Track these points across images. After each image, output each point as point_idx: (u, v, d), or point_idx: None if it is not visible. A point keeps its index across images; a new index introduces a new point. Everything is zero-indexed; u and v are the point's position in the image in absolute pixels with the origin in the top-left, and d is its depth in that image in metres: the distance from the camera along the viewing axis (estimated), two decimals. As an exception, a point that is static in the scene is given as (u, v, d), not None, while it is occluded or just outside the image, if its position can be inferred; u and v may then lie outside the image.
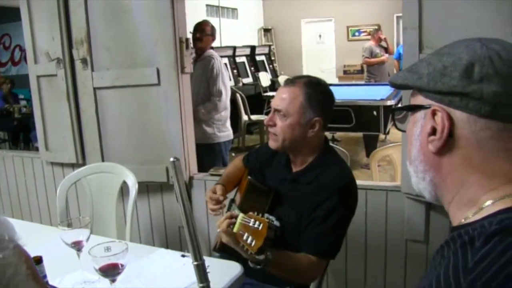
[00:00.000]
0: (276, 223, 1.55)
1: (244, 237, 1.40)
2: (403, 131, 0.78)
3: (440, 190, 0.72)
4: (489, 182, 0.66)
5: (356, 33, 10.58)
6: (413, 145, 0.73)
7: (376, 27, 7.87)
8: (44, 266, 1.14)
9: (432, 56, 0.70)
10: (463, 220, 0.67)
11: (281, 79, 8.38)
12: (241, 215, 1.47)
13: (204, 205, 2.68)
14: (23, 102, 7.02)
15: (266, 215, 1.53)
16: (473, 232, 0.61)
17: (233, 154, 6.09)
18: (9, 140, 6.86)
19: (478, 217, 0.64)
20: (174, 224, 2.84)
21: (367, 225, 2.31)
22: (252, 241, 1.38)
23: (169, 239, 2.89)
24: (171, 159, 0.86)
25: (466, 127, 0.65)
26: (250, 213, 1.48)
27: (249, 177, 1.76)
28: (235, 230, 1.44)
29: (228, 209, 1.78)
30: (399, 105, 0.83)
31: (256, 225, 1.41)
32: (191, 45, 2.63)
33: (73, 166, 3.00)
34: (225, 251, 1.64)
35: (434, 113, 0.68)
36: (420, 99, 0.71)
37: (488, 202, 0.65)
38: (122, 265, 1.22)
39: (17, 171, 3.43)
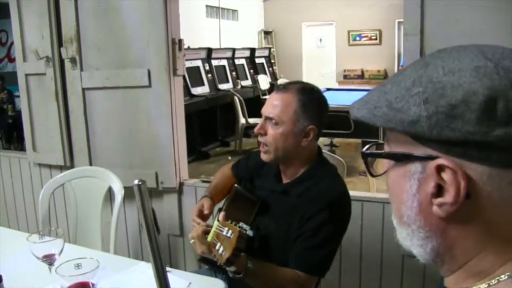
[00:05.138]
0: (250, 232, 1.43)
1: (217, 247, 1.31)
2: (377, 175, 0.61)
3: (442, 259, 0.55)
4: (510, 250, 0.51)
5: (357, 38, 10.52)
6: (405, 204, 0.54)
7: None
8: (3, 286, 1.05)
9: (425, 87, 0.50)
10: None
11: (281, 82, 8.31)
12: (216, 223, 1.38)
13: (194, 213, 2.60)
14: (18, 99, 6.92)
15: (240, 223, 1.42)
16: None
17: (230, 158, 6.01)
18: (2, 138, 6.76)
19: None
20: (163, 231, 2.74)
21: (362, 238, 2.23)
22: (223, 251, 1.28)
23: (158, 247, 2.80)
24: (135, 181, 0.74)
25: (488, 184, 0.48)
26: (220, 217, 1.39)
27: (235, 185, 1.67)
28: (209, 239, 1.36)
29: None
30: (375, 148, 0.61)
31: (228, 234, 1.31)
32: (184, 46, 2.54)
33: (61, 168, 2.91)
34: (206, 263, 1.55)
35: (440, 169, 0.50)
36: (411, 145, 0.53)
37: (504, 277, 0.50)
38: (93, 284, 1.12)
39: (3, 172, 3.34)
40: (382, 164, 0.61)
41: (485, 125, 0.46)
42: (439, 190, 0.51)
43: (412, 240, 0.56)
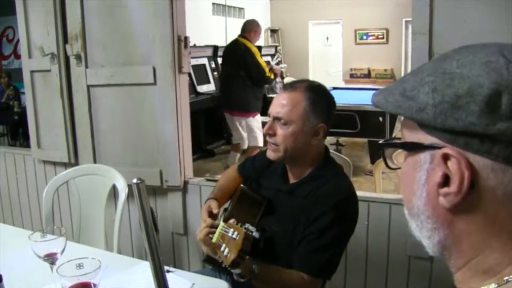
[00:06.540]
0: (256, 234, 1.40)
1: (222, 248, 1.29)
2: (394, 168, 0.63)
3: (449, 253, 0.55)
4: None
5: (364, 37, 10.44)
6: (415, 195, 0.55)
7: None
8: (4, 286, 1.03)
9: (435, 77, 0.52)
10: None
11: (287, 81, 8.26)
12: (221, 224, 1.35)
13: (198, 212, 2.58)
14: (24, 96, 6.92)
15: (246, 224, 1.39)
16: None
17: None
18: (8, 135, 6.77)
19: None
20: (167, 230, 2.73)
21: (368, 238, 2.20)
22: (228, 253, 1.26)
23: (162, 245, 2.79)
24: (134, 180, 0.73)
25: (491, 177, 0.49)
26: (230, 221, 1.36)
27: (241, 185, 1.65)
28: (214, 240, 1.34)
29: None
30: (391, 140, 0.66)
31: (234, 236, 1.29)
32: (190, 43, 2.51)
33: (66, 165, 2.90)
34: (211, 264, 1.53)
35: (446, 157, 0.51)
36: (421, 135, 0.54)
37: None
38: (94, 285, 1.11)
39: (8, 169, 3.33)
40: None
41: (488, 117, 0.47)
42: (446, 181, 0.52)
43: (421, 231, 0.57)
